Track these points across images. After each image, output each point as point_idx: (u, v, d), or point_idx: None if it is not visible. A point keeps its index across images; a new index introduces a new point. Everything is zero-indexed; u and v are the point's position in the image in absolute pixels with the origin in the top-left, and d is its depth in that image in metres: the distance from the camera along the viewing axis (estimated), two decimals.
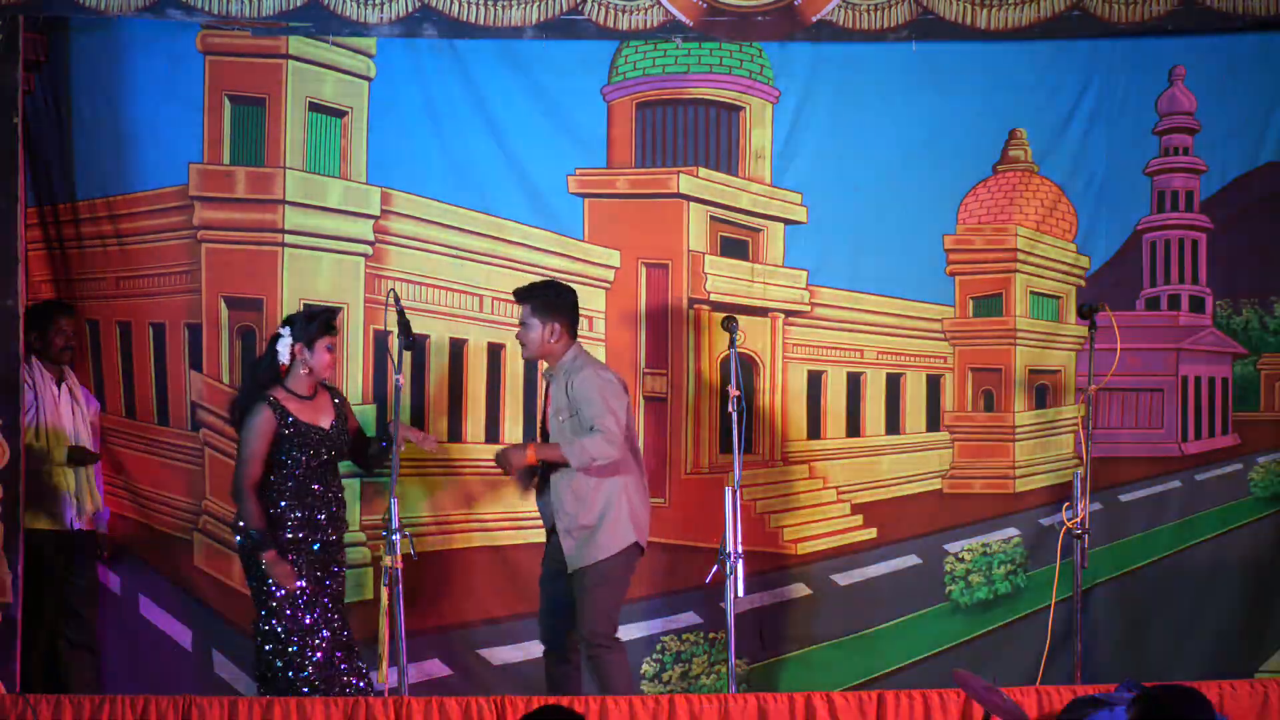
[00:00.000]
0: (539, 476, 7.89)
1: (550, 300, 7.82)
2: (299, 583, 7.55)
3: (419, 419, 8.56)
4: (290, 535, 7.60)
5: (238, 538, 7.71)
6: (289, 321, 7.77)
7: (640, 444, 8.54)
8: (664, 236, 8.76)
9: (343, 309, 8.49)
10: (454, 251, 8.65)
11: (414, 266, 8.62)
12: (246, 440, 7.66)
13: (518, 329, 7.89)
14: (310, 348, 7.70)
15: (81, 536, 8.29)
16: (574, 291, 7.97)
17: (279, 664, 7.57)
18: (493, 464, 8.31)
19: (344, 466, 7.94)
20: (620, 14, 8.12)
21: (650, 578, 8.61)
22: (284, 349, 7.70)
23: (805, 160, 8.76)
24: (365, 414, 8.47)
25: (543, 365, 7.99)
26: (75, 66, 8.40)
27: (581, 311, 8.13)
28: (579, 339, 7.93)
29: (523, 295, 7.88)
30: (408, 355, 7.62)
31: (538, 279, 8.14)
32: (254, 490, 7.61)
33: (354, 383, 8.57)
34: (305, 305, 8.14)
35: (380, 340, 8.57)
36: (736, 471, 7.63)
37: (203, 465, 8.57)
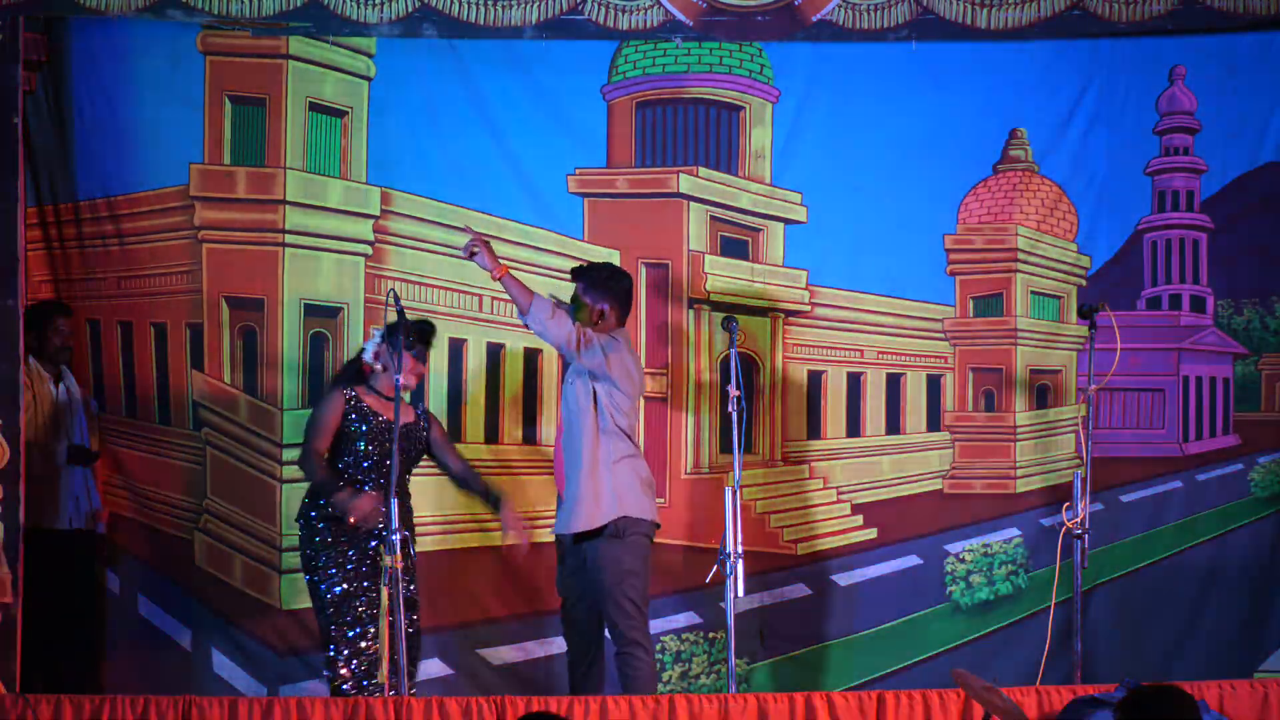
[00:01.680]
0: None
1: (601, 280, 7.77)
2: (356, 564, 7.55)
3: None
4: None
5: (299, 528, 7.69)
6: (390, 328, 7.73)
7: (640, 443, 8.54)
8: (664, 236, 8.76)
9: (344, 308, 8.52)
10: (454, 251, 8.63)
11: (414, 266, 8.63)
12: (314, 412, 7.72)
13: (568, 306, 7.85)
14: (397, 353, 7.69)
15: (81, 536, 8.29)
16: (629, 277, 7.93)
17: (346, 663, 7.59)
18: (492, 463, 8.33)
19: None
20: (620, 14, 8.12)
21: (650, 577, 8.60)
22: (370, 349, 7.74)
23: (805, 160, 8.76)
24: None
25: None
26: (75, 66, 8.40)
27: None
28: None
29: (577, 273, 7.84)
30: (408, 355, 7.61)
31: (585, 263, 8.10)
32: (317, 454, 7.63)
33: None
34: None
35: None
36: (736, 471, 7.62)
37: (204, 465, 8.58)
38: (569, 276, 7.84)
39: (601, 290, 7.74)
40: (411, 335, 7.54)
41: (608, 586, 7.58)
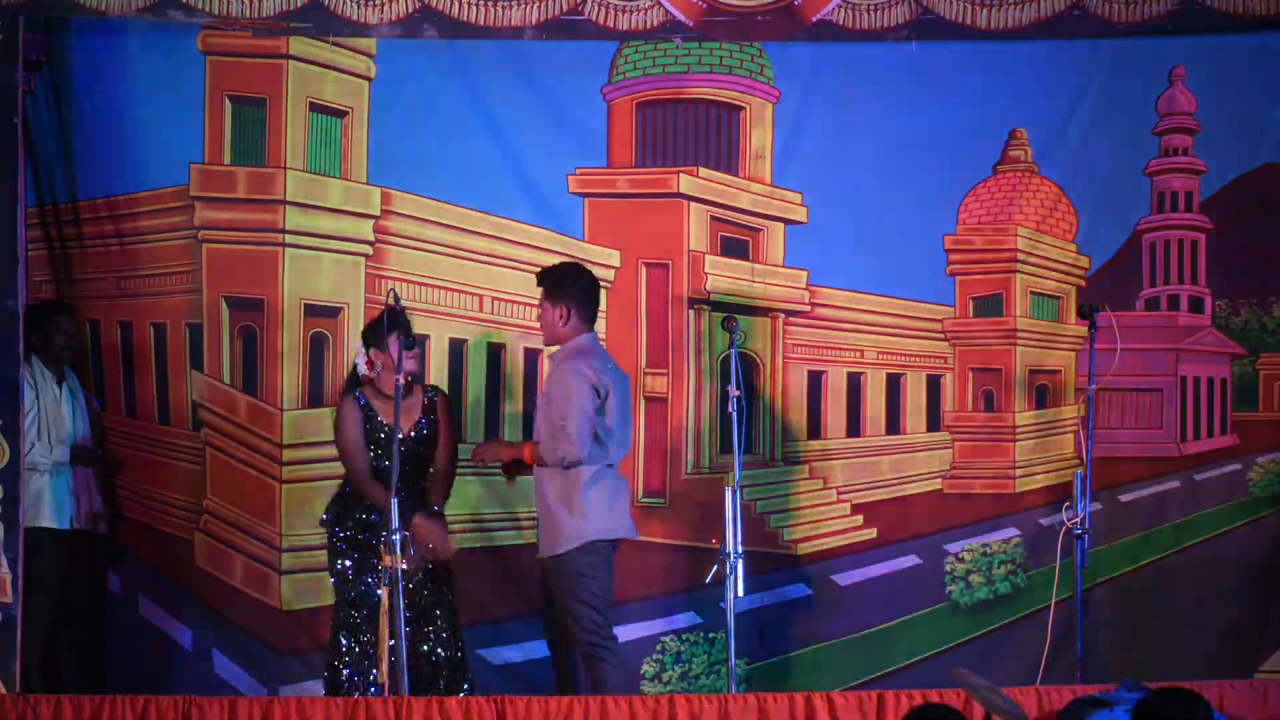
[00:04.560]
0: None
1: (559, 282, 7.76)
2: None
3: None
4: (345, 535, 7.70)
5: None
6: (367, 333, 7.83)
7: (640, 442, 8.55)
8: (664, 236, 8.77)
9: (344, 308, 8.54)
10: (454, 251, 8.65)
11: (414, 266, 8.63)
12: (339, 436, 7.78)
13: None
14: (383, 350, 7.70)
15: (81, 536, 8.29)
16: (588, 274, 7.88)
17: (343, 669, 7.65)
18: (493, 463, 8.34)
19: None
20: (620, 14, 8.11)
21: (650, 578, 8.62)
22: (361, 362, 7.79)
23: (805, 160, 8.77)
24: None
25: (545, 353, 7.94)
26: (75, 66, 8.40)
27: None
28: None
29: (539, 278, 7.85)
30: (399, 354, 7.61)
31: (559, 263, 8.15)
32: (368, 479, 7.72)
33: None
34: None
35: None
36: (736, 471, 7.62)
37: (204, 465, 8.58)
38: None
39: (559, 292, 7.73)
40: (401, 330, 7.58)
41: (562, 593, 7.61)
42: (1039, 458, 8.89)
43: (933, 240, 8.86)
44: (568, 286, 7.75)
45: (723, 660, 8.38)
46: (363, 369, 7.81)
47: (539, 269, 8.02)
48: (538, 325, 7.91)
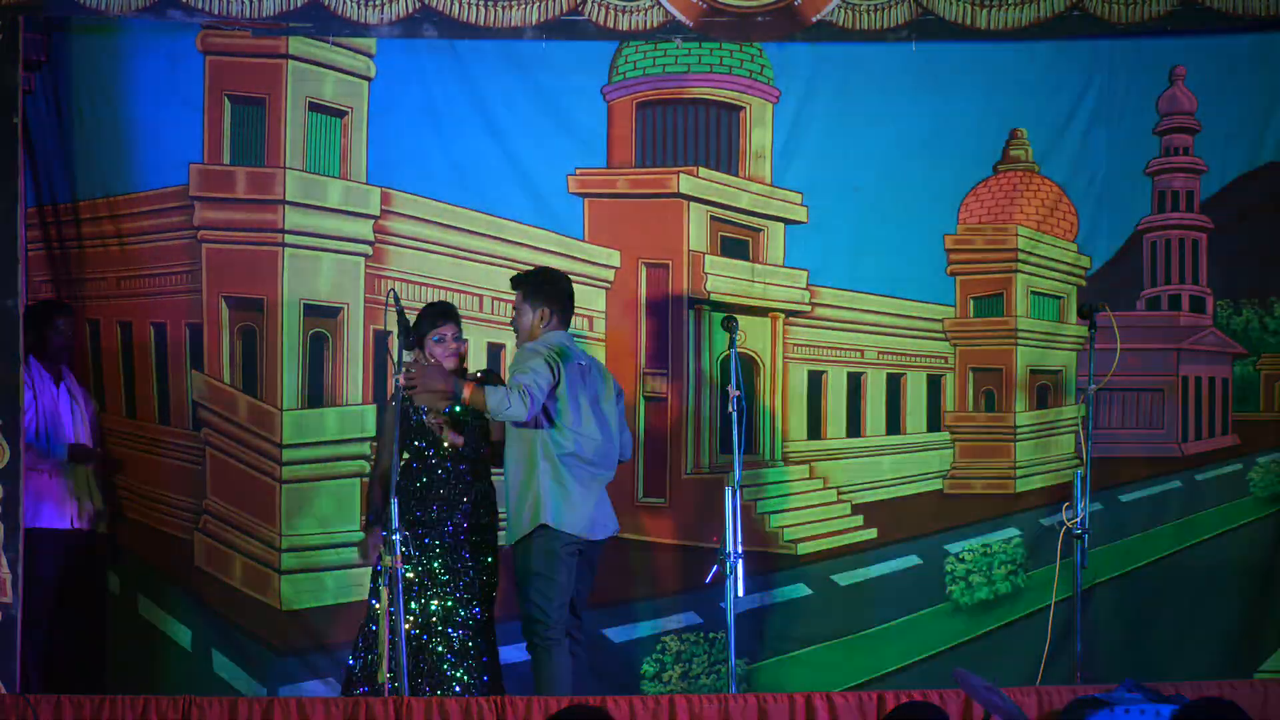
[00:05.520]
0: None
1: (538, 285, 7.79)
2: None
3: None
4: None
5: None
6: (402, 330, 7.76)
7: (640, 442, 8.54)
8: (664, 236, 8.77)
9: (344, 308, 8.54)
10: (454, 251, 8.66)
11: (414, 266, 8.63)
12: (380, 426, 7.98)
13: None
14: (423, 348, 7.68)
15: (81, 536, 8.29)
16: (566, 279, 7.89)
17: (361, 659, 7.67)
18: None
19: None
20: (620, 14, 8.12)
21: (650, 578, 8.62)
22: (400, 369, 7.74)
23: (805, 160, 8.77)
24: (365, 414, 8.49)
25: None
26: (75, 66, 8.40)
27: (582, 311, 8.14)
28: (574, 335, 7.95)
29: (516, 282, 7.87)
30: (408, 355, 7.61)
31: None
32: (379, 479, 7.80)
33: (354, 383, 8.59)
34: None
35: (380, 340, 8.58)
36: (736, 471, 7.62)
37: (203, 465, 8.58)
38: (510, 285, 7.87)
39: (541, 296, 7.75)
40: (427, 322, 7.56)
41: (517, 589, 7.64)
42: (1039, 458, 8.88)
43: (933, 240, 8.86)
44: (550, 290, 7.78)
45: (723, 660, 8.38)
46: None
47: (513, 276, 7.94)
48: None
